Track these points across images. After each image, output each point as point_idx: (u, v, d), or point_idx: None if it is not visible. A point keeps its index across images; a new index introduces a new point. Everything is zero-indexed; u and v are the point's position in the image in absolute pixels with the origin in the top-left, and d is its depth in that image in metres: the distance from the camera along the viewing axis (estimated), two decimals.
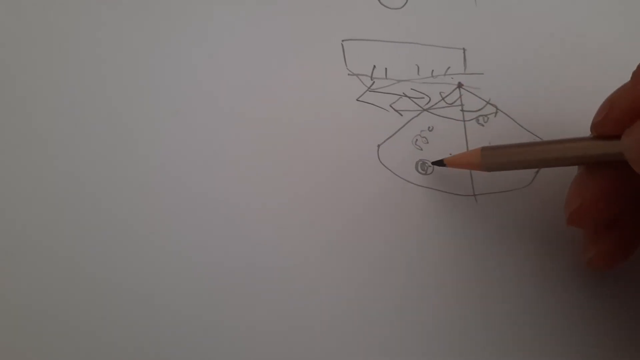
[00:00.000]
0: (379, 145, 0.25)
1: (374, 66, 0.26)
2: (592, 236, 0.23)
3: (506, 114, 0.26)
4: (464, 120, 0.26)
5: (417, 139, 0.25)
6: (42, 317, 0.21)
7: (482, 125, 0.26)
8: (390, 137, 0.25)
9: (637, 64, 0.20)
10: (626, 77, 0.21)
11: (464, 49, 0.27)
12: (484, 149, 0.23)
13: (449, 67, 0.26)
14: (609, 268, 0.23)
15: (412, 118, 0.26)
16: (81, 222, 0.22)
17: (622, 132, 0.19)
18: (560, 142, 0.22)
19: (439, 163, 0.24)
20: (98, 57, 0.25)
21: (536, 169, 0.25)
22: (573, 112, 0.26)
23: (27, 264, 0.22)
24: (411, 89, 0.26)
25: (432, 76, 0.26)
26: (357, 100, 0.26)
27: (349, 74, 0.26)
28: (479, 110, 0.26)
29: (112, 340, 0.21)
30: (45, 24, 0.25)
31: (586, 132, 0.22)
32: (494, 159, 0.23)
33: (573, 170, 0.23)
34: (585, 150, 0.21)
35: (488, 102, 0.26)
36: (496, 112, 0.26)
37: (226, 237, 0.23)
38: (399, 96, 0.26)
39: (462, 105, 0.26)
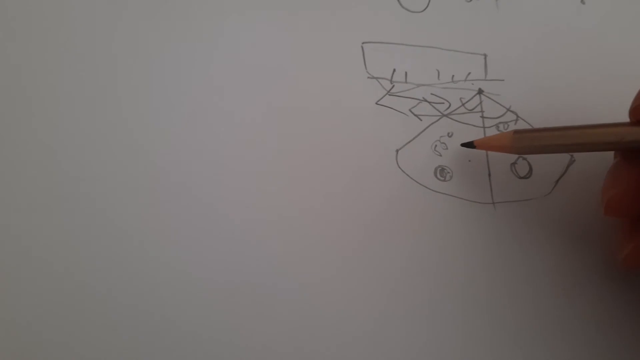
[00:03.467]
0: (397, 150, 0.25)
1: (394, 70, 0.26)
2: (628, 231, 0.22)
3: (527, 122, 0.26)
4: (484, 127, 0.25)
5: (436, 145, 0.25)
6: (44, 321, 0.21)
7: None
8: (409, 142, 0.25)
9: None
10: None
11: (485, 55, 0.26)
12: (516, 131, 0.22)
13: (469, 73, 0.26)
14: None
15: (432, 123, 0.25)
16: (85, 228, 0.22)
17: None
18: (596, 127, 0.21)
19: (469, 145, 0.24)
20: (103, 59, 0.24)
21: (557, 177, 0.25)
22: (595, 121, 0.26)
23: (28, 269, 0.22)
24: (431, 93, 0.26)
25: (453, 81, 0.26)
26: (376, 103, 0.25)
27: (368, 77, 0.25)
28: (500, 117, 0.26)
29: (115, 350, 0.21)
30: (51, 28, 0.25)
31: None
32: (525, 141, 0.22)
33: (596, 179, 0.23)
34: (622, 136, 0.20)
35: (508, 109, 0.26)
36: (516, 120, 0.26)
37: (240, 242, 0.23)
38: (419, 101, 0.25)
39: (482, 111, 0.26)
